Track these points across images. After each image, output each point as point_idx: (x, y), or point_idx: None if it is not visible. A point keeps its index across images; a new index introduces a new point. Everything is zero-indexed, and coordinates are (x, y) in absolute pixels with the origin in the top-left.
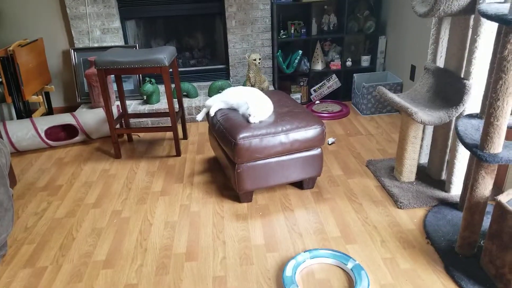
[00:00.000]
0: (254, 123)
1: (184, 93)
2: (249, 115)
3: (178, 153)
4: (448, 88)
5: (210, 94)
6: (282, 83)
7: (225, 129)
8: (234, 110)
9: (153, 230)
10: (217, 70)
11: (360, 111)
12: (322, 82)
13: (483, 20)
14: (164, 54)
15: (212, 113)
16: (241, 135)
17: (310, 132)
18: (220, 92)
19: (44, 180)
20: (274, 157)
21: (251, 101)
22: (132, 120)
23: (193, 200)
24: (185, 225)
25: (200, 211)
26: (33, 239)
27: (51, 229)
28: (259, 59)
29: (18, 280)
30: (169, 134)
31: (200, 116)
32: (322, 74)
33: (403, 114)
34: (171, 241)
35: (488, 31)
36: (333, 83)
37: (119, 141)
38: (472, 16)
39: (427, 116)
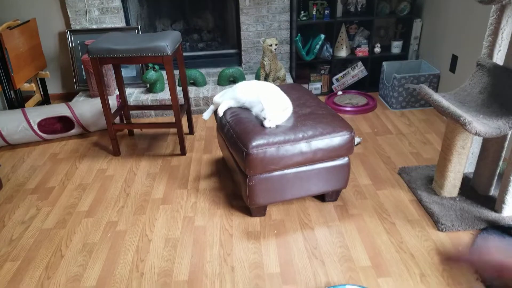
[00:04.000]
0: (270, 127)
1: (191, 81)
2: (264, 118)
3: (183, 152)
4: (508, 91)
5: (220, 83)
6: (300, 70)
7: (235, 134)
8: (246, 109)
9: (152, 248)
10: (228, 55)
11: (389, 105)
12: (346, 71)
13: None
14: (167, 41)
15: (220, 113)
16: (254, 143)
17: (336, 139)
18: (231, 81)
19: (35, 180)
20: (292, 168)
21: (267, 102)
22: (133, 111)
23: (198, 211)
24: (188, 243)
25: (206, 225)
26: (17, 254)
27: (38, 242)
28: (276, 44)
29: None
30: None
31: (207, 115)
32: (346, 61)
33: (451, 120)
34: (172, 264)
35: None
36: (359, 71)
37: (119, 135)
38: None
39: (483, 126)
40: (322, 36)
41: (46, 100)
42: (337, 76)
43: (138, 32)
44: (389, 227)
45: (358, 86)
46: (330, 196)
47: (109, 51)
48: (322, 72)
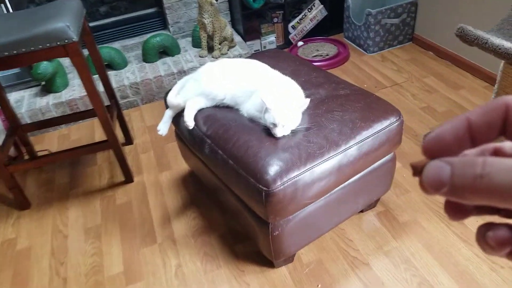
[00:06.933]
0: (283, 136)
1: (106, 64)
2: (274, 124)
3: (129, 179)
4: None
5: (146, 59)
6: (248, 23)
7: (233, 160)
8: (226, 108)
9: None
10: (145, 17)
11: (364, 49)
12: (303, 14)
13: None
14: (65, 19)
15: (190, 124)
16: (272, 172)
17: (383, 133)
18: (161, 52)
19: None
20: (329, 192)
21: (270, 98)
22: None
23: (190, 282)
24: None
25: None
26: None
27: None
28: None
29: None
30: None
31: (164, 128)
32: (299, 2)
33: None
34: None
35: None
36: (317, 12)
37: (20, 172)
38: None
39: None
40: None
41: None
42: (293, 23)
43: (5, 8)
44: (460, 230)
45: (318, 31)
46: (369, 204)
47: None
48: (275, 20)
